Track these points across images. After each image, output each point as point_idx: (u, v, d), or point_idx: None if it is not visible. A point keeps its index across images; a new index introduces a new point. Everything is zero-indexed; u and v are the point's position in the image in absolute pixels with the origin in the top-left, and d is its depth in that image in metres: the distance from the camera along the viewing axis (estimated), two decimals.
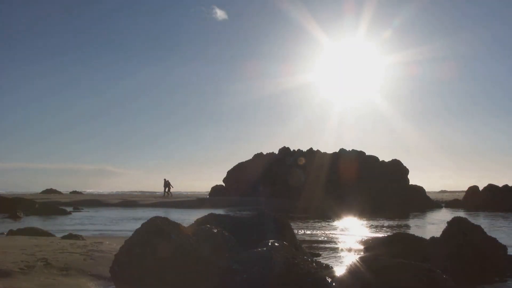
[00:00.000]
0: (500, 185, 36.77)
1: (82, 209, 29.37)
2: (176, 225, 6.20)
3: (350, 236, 14.74)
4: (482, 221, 20.80)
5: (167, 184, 44.53)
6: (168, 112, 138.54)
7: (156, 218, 6.18)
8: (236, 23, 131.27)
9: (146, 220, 6.20)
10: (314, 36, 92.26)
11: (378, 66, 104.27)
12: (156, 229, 5.93)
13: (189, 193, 66.51)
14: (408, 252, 8.22)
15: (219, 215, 8.80)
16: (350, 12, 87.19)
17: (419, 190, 40.37)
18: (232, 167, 46.72)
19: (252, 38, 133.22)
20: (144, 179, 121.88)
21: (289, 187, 38.12)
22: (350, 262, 5.82)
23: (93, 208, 31.25)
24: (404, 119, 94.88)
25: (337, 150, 41.42)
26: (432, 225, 19.27)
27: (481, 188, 37.92)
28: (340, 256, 10.09)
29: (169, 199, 40.21)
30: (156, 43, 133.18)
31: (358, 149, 41.58)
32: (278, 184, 39.97)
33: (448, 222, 9.09)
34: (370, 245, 9.76)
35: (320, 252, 10.25)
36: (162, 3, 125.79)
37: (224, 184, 46.82)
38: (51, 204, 27.99)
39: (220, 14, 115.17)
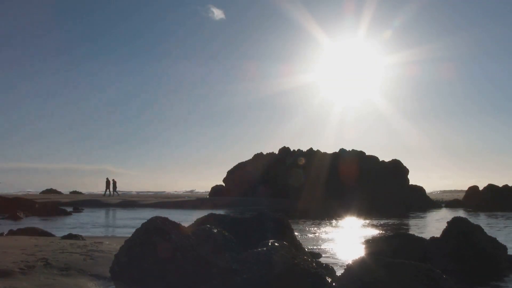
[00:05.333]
0: (500, 185, 36.84)
1: (82, 209, 29.36)
2: (176, 225, 6.20)
3: (350, 236, 14.74)
4: (482, 221, 20.80)
5: (109, 183, 44.22)
6: (168, 112, 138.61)
7: (156, 218, 6.18)
8: (234, 23, 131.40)
9: (146, 220, 6.20)
10: (314, 36, 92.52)
11: (378, 66, 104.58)
12: (156, 229, 5.93)
13: (189, 193, 66.47)
14: (408, 252, 8.22)
15: (219, 215, 8.80)
16: (350, 12, 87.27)
17: (419, 190, 40.40)
18: (232, 167, 46.73)
19: (251, 38, 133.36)
20: (144, 179, 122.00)
21: (289, 187, 38.13)
22: (350, 262, 5.82)
23: (93, 208, 31.25)
24: (404, 119, 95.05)
25: (337, 150, 41.45)
26: (432, 225, 19.27)
27: (481, 188, 37.99)
28: (340, 256, 10.08)
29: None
30: (155, 43, 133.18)
31: (358, 149, 41.64)
32: (278, 184, 39.98)
33: (448, 222, 9.09)
34: (370, 245, 9.75)
35: (320, 252, 10.24)
36: (157, 4, 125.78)
37: (224, 184, 46.82)
38: (51, 204, 27.99)
39: (217, 13, 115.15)
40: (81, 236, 11.26)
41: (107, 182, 44.25)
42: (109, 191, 44.14)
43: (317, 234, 14.89)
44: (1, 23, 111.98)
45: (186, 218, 18.53)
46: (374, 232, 15.51)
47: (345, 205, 29.99)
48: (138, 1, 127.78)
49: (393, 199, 35.10)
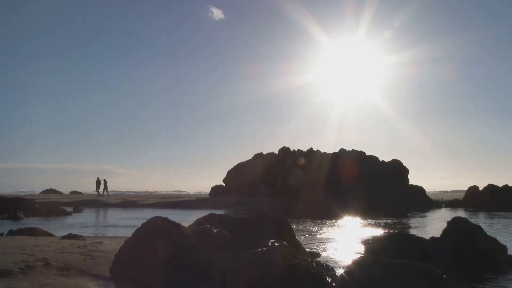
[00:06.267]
0: (500, 185, 36.82)
1: (82, 209, 29.36)
2: (176, 225, 6.20)
3: (350, 235, 14.74)
4: (482, 221, 20.80)
5: (99, 183, 43.73)
6: (168, 112, 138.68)
7: (156, 218, 6.17)
8: (234, 23, 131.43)
9: (146, 220, 6.19)
10: (314, 36, 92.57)
11: (378, 66, 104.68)
12: (156, 229, 5.93)
13: (189, 193, 66.49)
14: (408, 252, 8.22)
15: (219, 215, 8.80)
16: (350, 12, 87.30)
17: (419, 190, 40.39)
18: (232, 167, 46.72)
19: (251, 38, 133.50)
20: (144, 179, 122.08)
21: (289, 187, 38.12)
22: (350, 262, 5.82)
23: (93, 208, 31.25)
24: (404, 119, 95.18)
25: (337, 150, 41.44)
26: (432, 225, 19.26)
27: (481, 188, 37.98)
28: (340, 256, 10.08)
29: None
30: (154, 43, 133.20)
31: (358, 149, 41.63)
32: (278, 184, 39.96)
33: (448, 222, 9.10)
34: (370, 245, 9.75)
35: (320, 252, 10.24)
36: (156, 4, 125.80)
37: (224, 184, 46.80)
38: (51, 204, 27.98)
39: (217, 13, 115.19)
40: (81, 236, 11.26)
41: (98, 182, 43.98)
42: (99, 191, 43.88)
43: (317, 234, 14.88)
44: (1, 24, 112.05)
45: (186, 218, 18.52)
46: (374, 232, 15.51)
47: (345, 205, 29.97)
48: (138, 1, 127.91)
49: (393, 199, 35.09)
